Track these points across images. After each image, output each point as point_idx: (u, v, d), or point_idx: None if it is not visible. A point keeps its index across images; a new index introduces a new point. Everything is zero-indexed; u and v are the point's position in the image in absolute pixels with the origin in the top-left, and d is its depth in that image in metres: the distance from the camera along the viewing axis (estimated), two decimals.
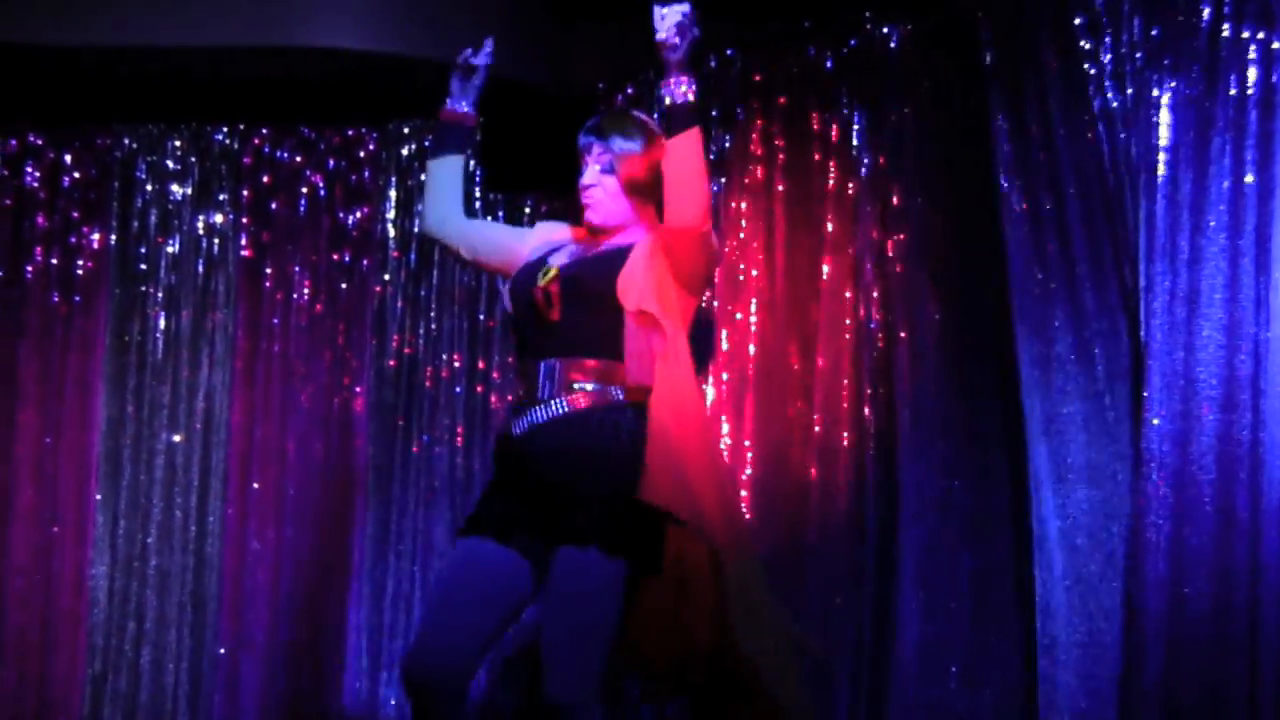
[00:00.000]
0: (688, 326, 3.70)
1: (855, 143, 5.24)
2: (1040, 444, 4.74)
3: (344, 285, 6.27)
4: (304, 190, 6.31)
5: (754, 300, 5.39)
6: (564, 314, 3.65)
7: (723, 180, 5.47)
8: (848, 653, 5.13)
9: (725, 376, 5.40)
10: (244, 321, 6.29)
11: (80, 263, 6.38)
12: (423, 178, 3.98)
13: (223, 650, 6.12)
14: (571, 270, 3.68)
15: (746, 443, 5.35)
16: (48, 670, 6.19)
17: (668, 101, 3.57)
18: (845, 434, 5.19)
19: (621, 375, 3.63)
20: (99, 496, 6.26)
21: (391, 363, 6.16)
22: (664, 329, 3.61)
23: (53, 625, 6.21)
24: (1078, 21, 4.71)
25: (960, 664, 4.98)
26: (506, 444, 3.71)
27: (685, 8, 3.59)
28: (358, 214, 6.29)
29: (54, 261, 6.36)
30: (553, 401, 3.64)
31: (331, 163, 6.29)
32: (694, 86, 3.55)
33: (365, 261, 6.18)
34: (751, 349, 5.38)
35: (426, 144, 6.05)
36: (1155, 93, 4.55)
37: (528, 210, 6.06)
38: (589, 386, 3.63)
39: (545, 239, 3.91)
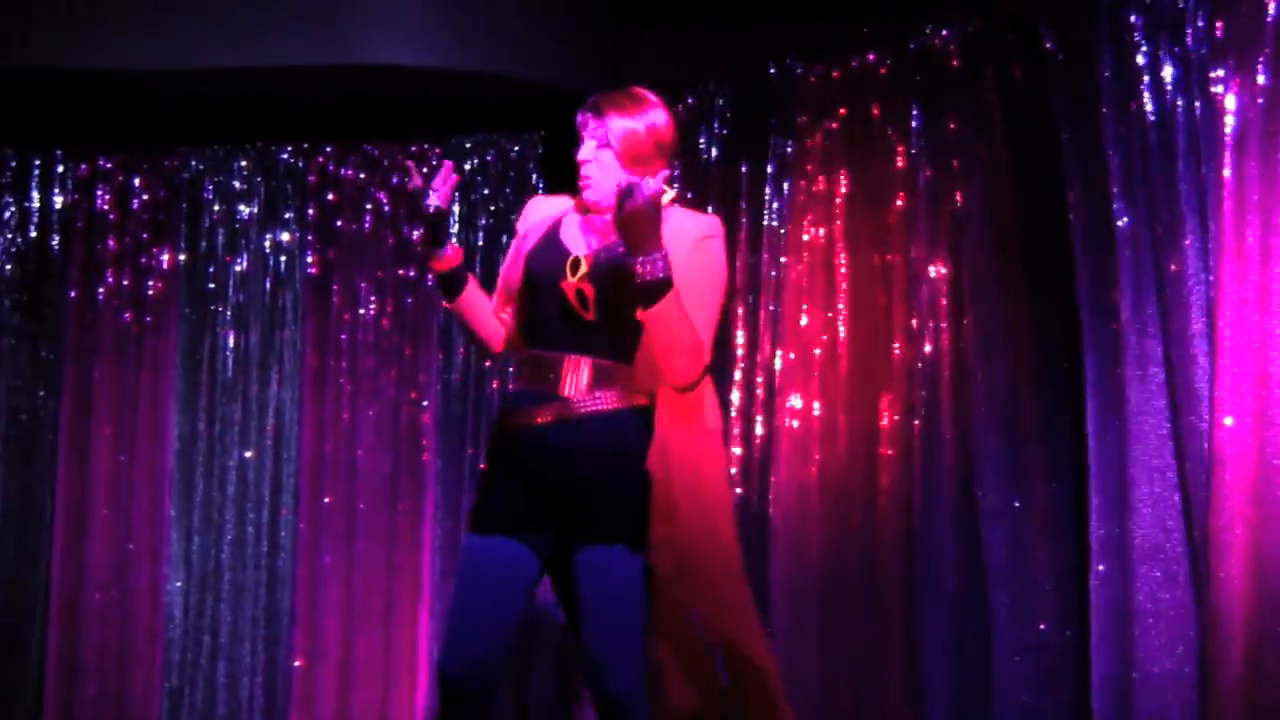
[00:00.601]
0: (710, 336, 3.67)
1: (916, 146, 5.21)
2: (1111, 447, 4.70)
3: (409, 300, 6.30)
4: (368, 207, 6.35)
5: (808, 303, 5.38)
6: (599, 314, 3.64)
7: (785, 185, 5.47)
8: (941, 659, 5.12)
9: (765, 371, 5.41)
10: (312, 338, 6.33)
11: (150, 283, 6.45)
12: (457, 317, 3.93)
13: (296, 664, 6.16)
14: (604, 268, 3.64)
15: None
16: (126, 684, 6.26)
17: (639, 278, 3.47)
18: (919, 431, 5.16)
19: (636, 376, 3.62)
20: (173, 513, 6.32)
21: (458, 376, 6.20)
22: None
23: (130, 640, 6.27)
24: (1138, 20, 4.67)
25: (1044, 665, 4.94)
26: (518, 433, 3.70)
27: (632, 181, 3.48)
28: (422, 229, 6.31)
29: (125, 282, 6.44)
30: (578, 399, 3.64)
31: (395, 179, 6.33)
32: (664, 261, 3.46)
33: (430, 277, 6.21)
34: (817, 352, 5.38)
35: (489, 158, 6.12)
36: (1220, 89, 4.50)
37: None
38: (617, 388, 3.63)
39: (542, 216, 3.87)
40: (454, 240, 3.98)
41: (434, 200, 3.80)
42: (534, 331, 3.75)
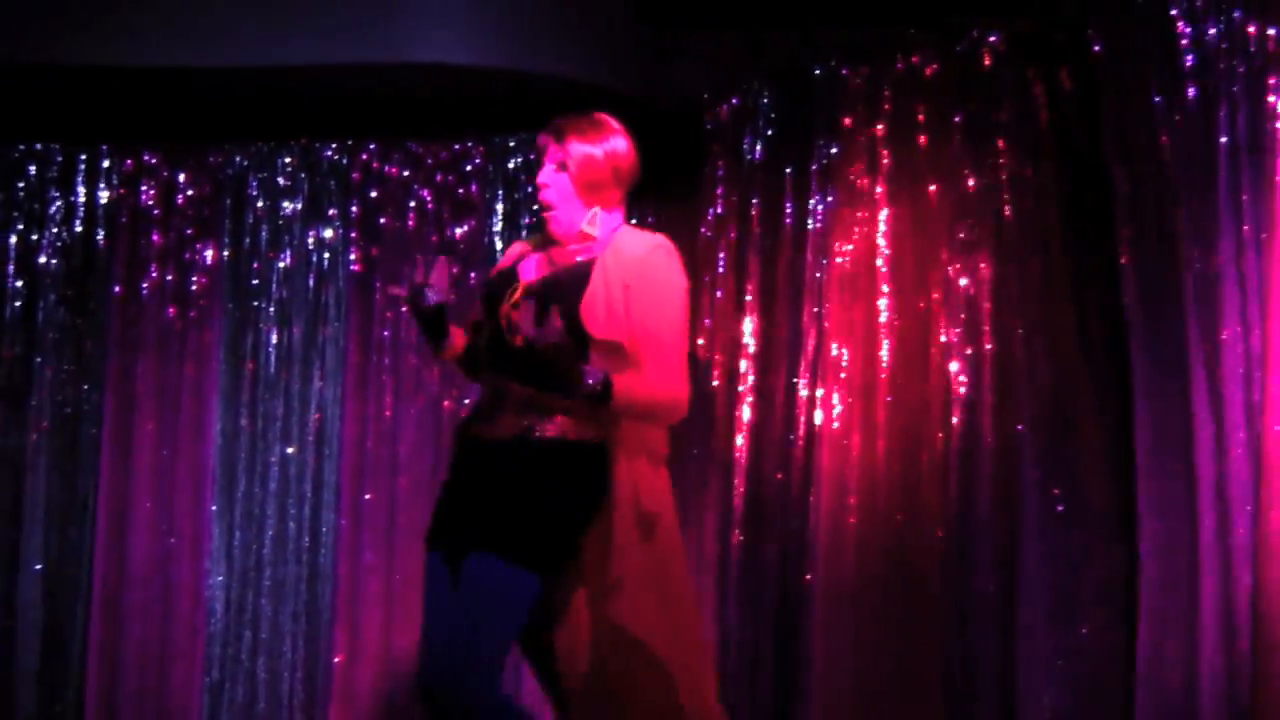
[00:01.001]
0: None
1: (961, 148, 5.18)
2: (1161, 451, 4.67)
3: (452, 298, 6.27)
4: (412, 204, 6.35)
5: (851, 305, 5.34)
6: (530, 339, 3.52)
7: (829, 187, 5.44)
8: (988, 665, 5.09)
9: (810, 372, 5.38)
10: (354, 335, 6.33)
11: (194, 278, 6.46)
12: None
13: (337, 660, 6.17)
14: (538, 290, 3.62)
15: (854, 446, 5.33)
16: (167, 679, 6.26)
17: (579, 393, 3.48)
18: (960, 432, 5.13)
19: (578, 409, 3.55)
20: (215, 508, 6.33)
21: None
22: (629, 361, 3.54)
23: (171, 635, 6.28)
24: (1186, 22, 4.64)
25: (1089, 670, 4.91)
26: (461, 451, 3.70)
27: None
28: (465, 227, 6.32)
29: (169, 277, 6.45)
30: (510, 428, 3.60)
31: (439, 177, 6.32)
32: (596, 377, 3.45)
33: (473, 275, 6.21)
34: (847, 356, 5.34)
35: (532, 157, 6.09)
36: (1272, 82, 4.47)
37: (633, 221, 6.04)
38: (549, 420, 3.56)
39: (516, 251, 3.89)
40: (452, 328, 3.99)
41: (433, 296, 3.79)
42: (484, 353, 3.75)
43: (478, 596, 3.50)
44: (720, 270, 5.62)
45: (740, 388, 5.53)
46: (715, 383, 5.58)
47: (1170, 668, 4.62)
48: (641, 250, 3.65)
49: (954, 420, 5.16)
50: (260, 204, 6.44)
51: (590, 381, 3.44)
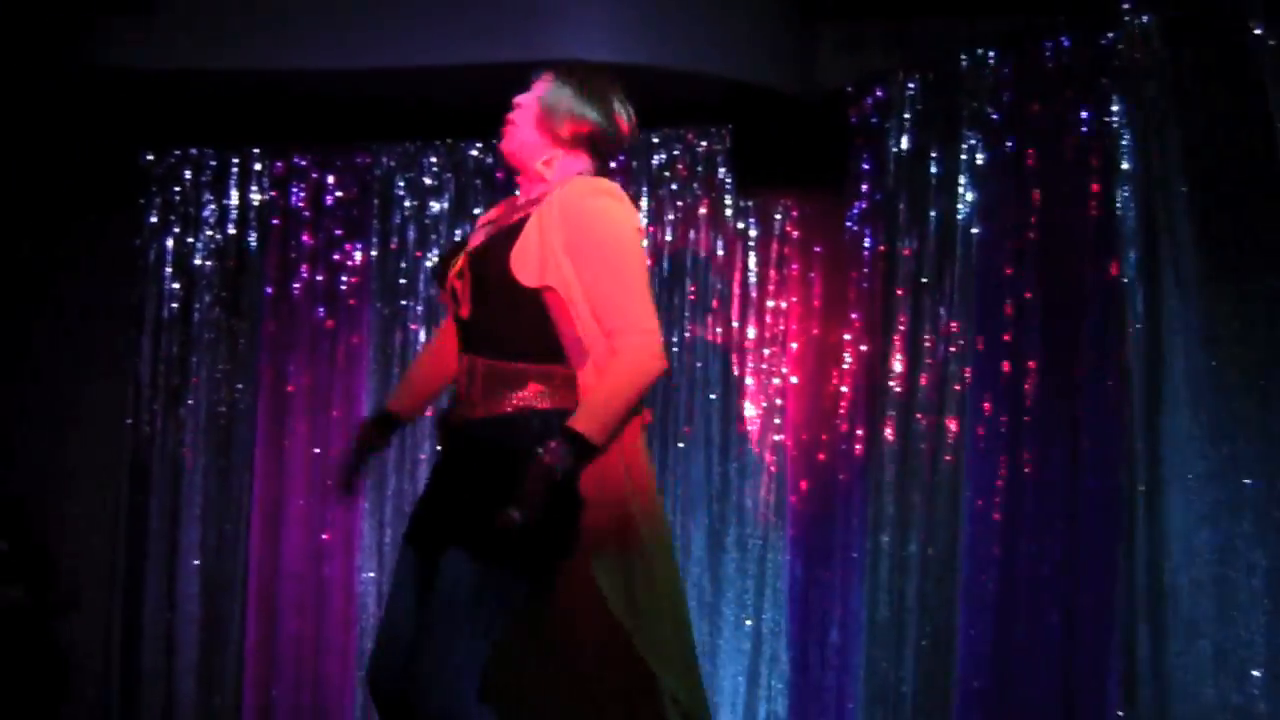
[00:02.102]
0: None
1: (1113, 138, 5.05)
2: None
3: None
4: None
5: (996, 299, 5.26)
6: (473, 309, 3.42)
7: (976, 179, 5.33)
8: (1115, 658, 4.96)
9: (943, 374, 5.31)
10: None
11: (344, 279, 6.54)
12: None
13: None
14: (476, 254, 3.44)
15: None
16: (321, 672, 6.36)
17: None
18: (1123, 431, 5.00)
19: (550, 376, 3.36)
20: (366, 505, 6.37)
21: None
22: (575, 308, 3.33)
23: (325, 629, 6.37)
24: None
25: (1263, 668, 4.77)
26: (441, 439, 3.54)
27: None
28: None
29: (319, 278, 6.55)
30: (472, 403, 3.41)
31: None
32: (558, 461, 3.21)
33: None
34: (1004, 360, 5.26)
35: (675, 153, 6.08)
36: None
37: (778, 216, 6.01)
38: (507, 390, 3.37)
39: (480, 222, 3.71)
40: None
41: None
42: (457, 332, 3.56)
43: (454, 598, 3.29)
44: (867, 265, 5.55)
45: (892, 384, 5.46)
46: (863, 378, 5.53)
47: None
48: (580, 199, 3.40)
49: (1109, 421, 4.98)
50: (407, 204, 6.49)
51: (552, 463, 3.22)
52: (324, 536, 6.42)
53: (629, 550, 3.40)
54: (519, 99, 3.60)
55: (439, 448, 3.60)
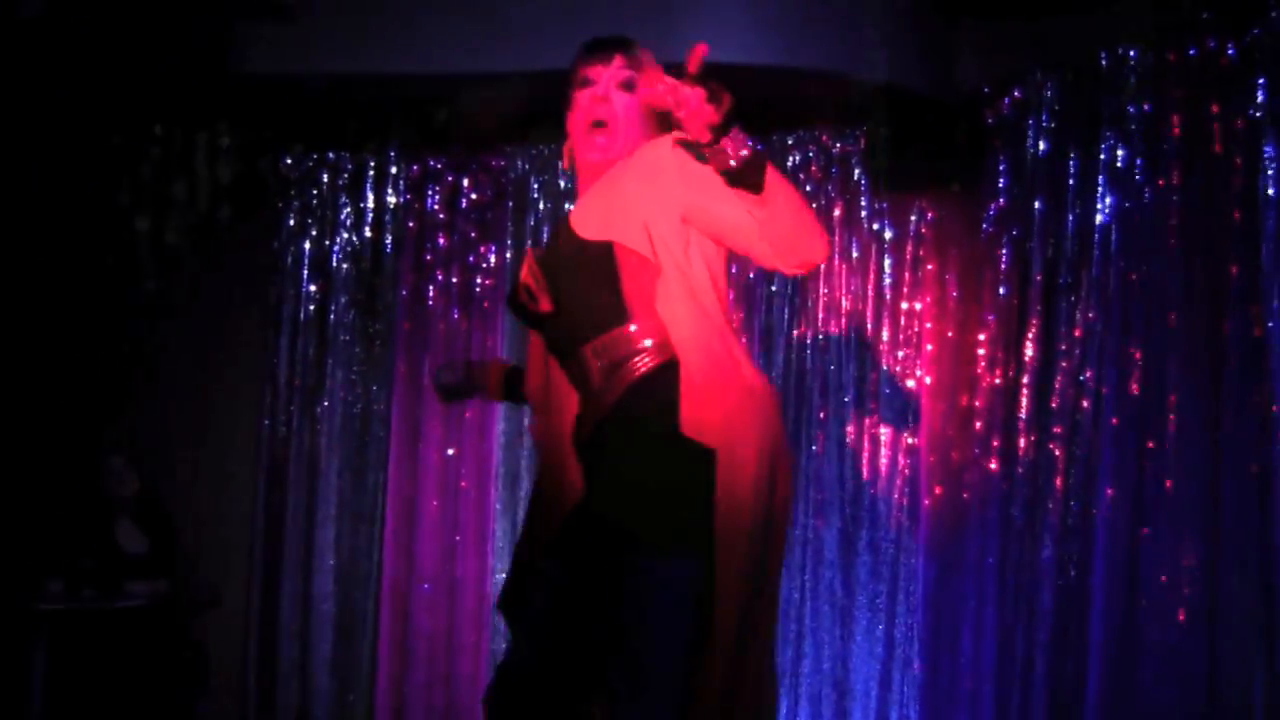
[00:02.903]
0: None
1: (1263, 136, 4.90)
2: None
3: (731, 295, 6.27)
4: None
5: (1149, 303, 5.14)
6: (556, 299, 3.25)
7: (1116, 182, 5.23)
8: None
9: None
10: None
11: (479, 280, 6.57)
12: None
13: None
14: (546, 249, 3.30)
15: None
16: (454, 671, 6.39)
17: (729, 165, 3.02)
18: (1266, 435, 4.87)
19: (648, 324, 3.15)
20: (498, 505, 6.40)
21: (776, 374, 6.13)
22: (651, 260, 3.13)
23: (457, 628, 6.40)
24: None
25: None
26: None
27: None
28: None
29: (454, 280, 6.58)
30: (599, 390, 3.18)
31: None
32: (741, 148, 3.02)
33: (752, 274, 6.17)
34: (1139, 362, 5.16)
35: (810, 154, 6.04)
36: None
37: (913, 218, 5.94)
38: (629, 351, 3.15)
39: None
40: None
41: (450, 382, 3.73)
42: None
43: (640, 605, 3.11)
44: (1003, 267, 5.48)
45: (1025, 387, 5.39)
46: (998, 381, 5.48)
47: None
48: (666, 142, 3.18)
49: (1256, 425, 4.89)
50: (542, 207, 6.49)
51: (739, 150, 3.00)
52: (457, 537, 6.45)
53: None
54: (603, 93, 3.36)
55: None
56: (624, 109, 3.30)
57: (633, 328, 3.18)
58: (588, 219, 3.24)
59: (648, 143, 3.26)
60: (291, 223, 6.75)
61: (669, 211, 3.18)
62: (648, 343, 3.18)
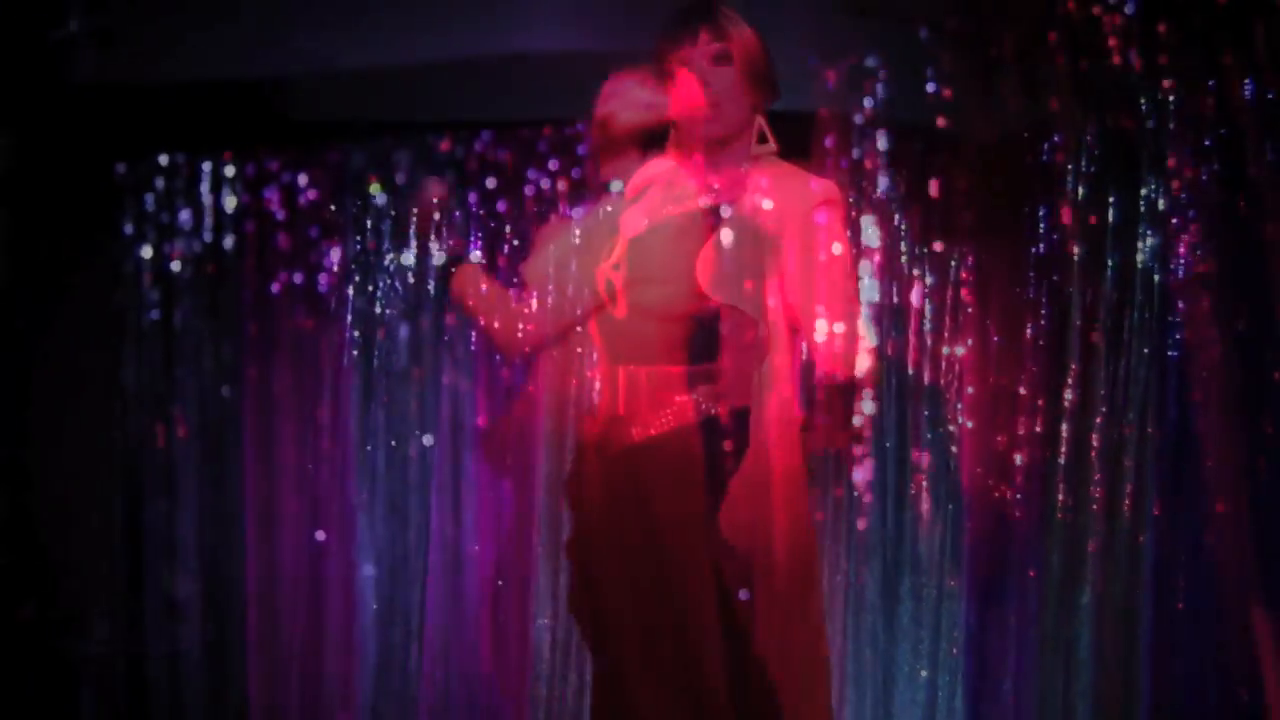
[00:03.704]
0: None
1: None
2: None
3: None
4: None
5: (1191, 346, 5.25)
6: (632, 309, 3.08)
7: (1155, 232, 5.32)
8: None
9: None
10: None
11: (321, 280, 6.33)
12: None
13: None
14: (641, 244, 3.07)
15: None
16: (322, 670, 6.25)
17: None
18: None
19: (716, 383, 3.09)
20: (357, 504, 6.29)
21: None
22: (756, 325, 3.08)
23: (323, 627, 6.27)
24: None
25: None
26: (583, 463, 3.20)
27: None
28: None
29: (297, 280, 6.34)
30: (627, 420, 3.07)
31: None
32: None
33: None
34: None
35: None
36: None
37: (953, 262, 5.85)
38: (675, 400, 3.06)
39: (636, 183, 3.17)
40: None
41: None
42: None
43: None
44: (1042, 314, 5.50)
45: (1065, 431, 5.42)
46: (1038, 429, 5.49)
47: None
48: (820, 196, 3.17)
49: None
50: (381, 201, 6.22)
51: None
52: (318, 536, 6.31)
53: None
54: (701, 75, 3.15)
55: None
56: (721, 85, 3.14)
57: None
58: (721, 274, 3.00)
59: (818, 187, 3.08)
60: (130, 230, 6.48)
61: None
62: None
